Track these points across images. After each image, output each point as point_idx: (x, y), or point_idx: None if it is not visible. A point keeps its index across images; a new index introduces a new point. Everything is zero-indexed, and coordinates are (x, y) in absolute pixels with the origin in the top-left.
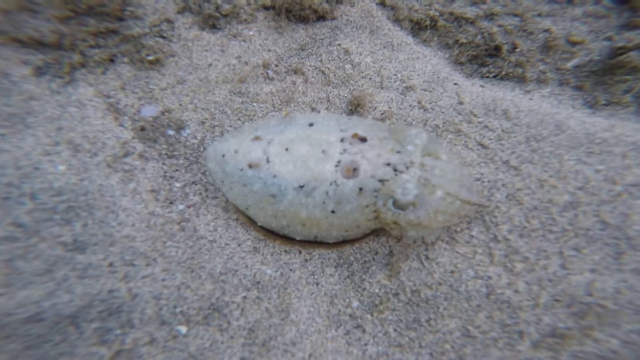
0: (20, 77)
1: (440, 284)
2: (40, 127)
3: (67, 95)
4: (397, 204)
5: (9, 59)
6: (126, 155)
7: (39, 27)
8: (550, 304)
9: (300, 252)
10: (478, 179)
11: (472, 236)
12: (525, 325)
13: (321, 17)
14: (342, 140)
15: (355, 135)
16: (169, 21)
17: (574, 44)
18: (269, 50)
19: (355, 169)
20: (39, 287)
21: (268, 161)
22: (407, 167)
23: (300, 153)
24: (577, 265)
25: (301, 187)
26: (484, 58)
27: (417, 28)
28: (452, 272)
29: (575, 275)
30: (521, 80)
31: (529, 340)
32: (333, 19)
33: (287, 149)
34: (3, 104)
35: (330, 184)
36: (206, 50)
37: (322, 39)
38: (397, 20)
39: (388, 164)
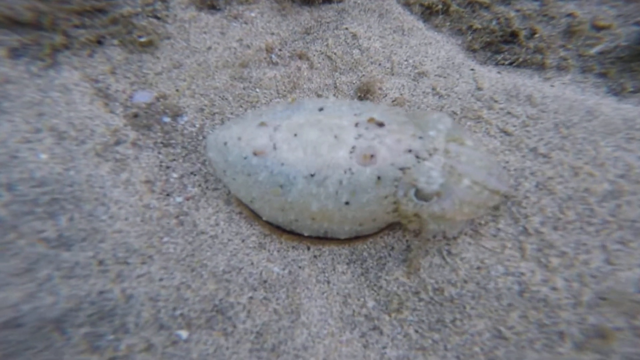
0: None
1: (465, 281)
2: (18, 113)
3: (50, 79)
4: (419, 194)
5: None
6: (117, 143)
7: (13, 4)
8: (594, 302)
9: (309, 248)
10: (503, 168)
11: (499, 229)
12: (566, 326)
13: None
14: (356, 124)
15: (371, 120)
16: (163, 0)
17: (600, 28)
18: (272, 34)
19: (372, 156)
20: (18, 289)
21: (275, 148)
22: (431, 154)
23: (310, 139)
24: (624, 260)
25: (312, 175)
26: (499, 45)
27: (428, 13)
28: (478, 268)
29: (624, 270)
30: (540, 67)
31: (571, 342)
32: (340, 1)
33: (295, 135)
34: None
35: (345, 172)
36: (205, 33)
37: (328, 23)
38: (407, 4)
39: (409, 151)
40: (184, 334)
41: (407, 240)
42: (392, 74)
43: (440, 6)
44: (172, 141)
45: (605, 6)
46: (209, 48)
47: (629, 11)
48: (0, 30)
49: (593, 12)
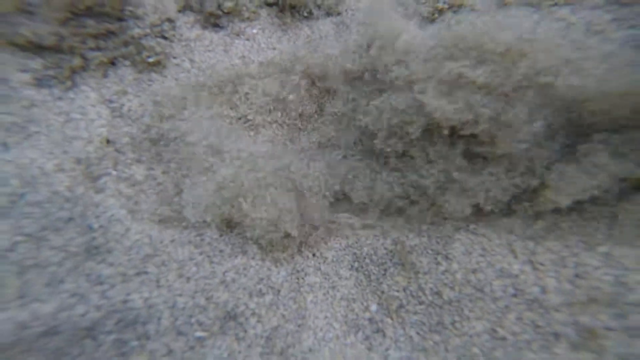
0: (19, 83)
1: (462, 284)
2: (44, 135)
3: (70, 101)
4: None
5: (5, 64)
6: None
7: (37, 29)
8: (586, 303)
9: (313, 255)
10: None
11: (492, 230)
12: (560, 327)
13: (326, 13)
14: None
15: None
16: (170, 20)
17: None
18: (274, 49)
19: None
20: (54, 299)
21: None
22: None
23: None
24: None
25: None
26: None
27: (425, 23)
28: (474, 271)
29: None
30: None
31: (567, 342)
32: (338, 14)
33: None
34: (3, 112)
35: None
36: (209, 50)
37: (327, 36)
38: (405, 16)
39: None
40: (203, 334)
41: (403, 243)
42: None
43: (436, 15)
44: None
45: (600, 11)
46: (214, 65)
47: (624, 15)
48: (27, 55)
49: (587, 17)
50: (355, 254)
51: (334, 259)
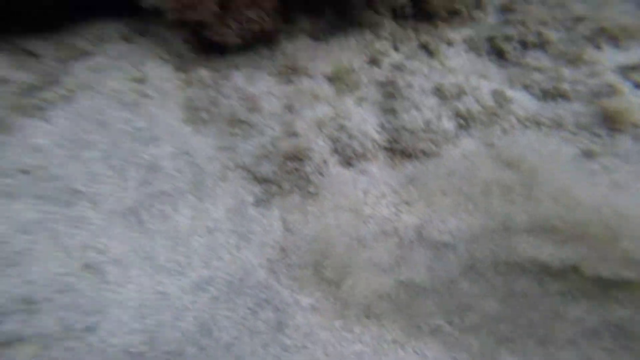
0: (249, 204)
1: None
2: (253, 242)
3: (262, 217)
4: None
5: (245, 191)
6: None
7: (274, 169)
8: None
9: (415, 352)
10: None
11: None
12: None
13: (427, 156)
14: None
15: None
16: (325, 162)
17: None
18: (386, 183)
19: None
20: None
21: None
22: None
23: None
24: None
25: None
26: None
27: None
28: None
29: None
30: None
31: None
32: (438, 157)
33: None
34: (241, 226)
35: None
36: (343, 185)
37: (426, 174)
38: None
39: None
40: None
41: None
42: None
43: None
44: None
45: None
46: (346, 195)
47: None
48: (253, 184)
49: None
50: (455, 357)
51: (434, 358)
